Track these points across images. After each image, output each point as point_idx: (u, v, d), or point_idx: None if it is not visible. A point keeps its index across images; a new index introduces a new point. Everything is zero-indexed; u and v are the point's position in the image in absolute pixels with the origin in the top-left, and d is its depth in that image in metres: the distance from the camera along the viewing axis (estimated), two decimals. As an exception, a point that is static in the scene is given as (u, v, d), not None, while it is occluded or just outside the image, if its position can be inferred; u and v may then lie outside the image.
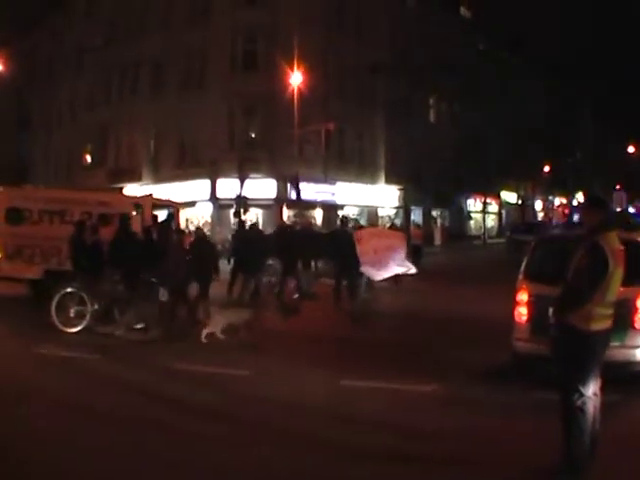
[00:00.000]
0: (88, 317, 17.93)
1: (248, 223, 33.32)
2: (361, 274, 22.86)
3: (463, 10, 77.32)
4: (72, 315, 18.04)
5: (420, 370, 13.11)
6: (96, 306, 18.11)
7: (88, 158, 67.26)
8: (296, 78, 48.16)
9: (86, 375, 12.98)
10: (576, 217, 77.89)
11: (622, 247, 7.84)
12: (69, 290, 18.36)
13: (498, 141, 65.50)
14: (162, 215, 24.90)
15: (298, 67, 48.17)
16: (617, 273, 7.64)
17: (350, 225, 27.75)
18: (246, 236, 25.61)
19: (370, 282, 24.12)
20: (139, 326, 17.78)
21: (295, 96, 47.90)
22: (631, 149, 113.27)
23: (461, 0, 75.84)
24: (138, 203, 25.61)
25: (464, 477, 8.10)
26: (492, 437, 9.26)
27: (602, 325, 7.64)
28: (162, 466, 8.31)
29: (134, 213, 24.51)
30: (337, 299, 22.97)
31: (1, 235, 22.50)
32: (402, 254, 24.00)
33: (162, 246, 19.38)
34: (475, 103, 64.98)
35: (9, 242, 22.44)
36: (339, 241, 24.09)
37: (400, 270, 23.67)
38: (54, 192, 28.55)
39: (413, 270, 24.11)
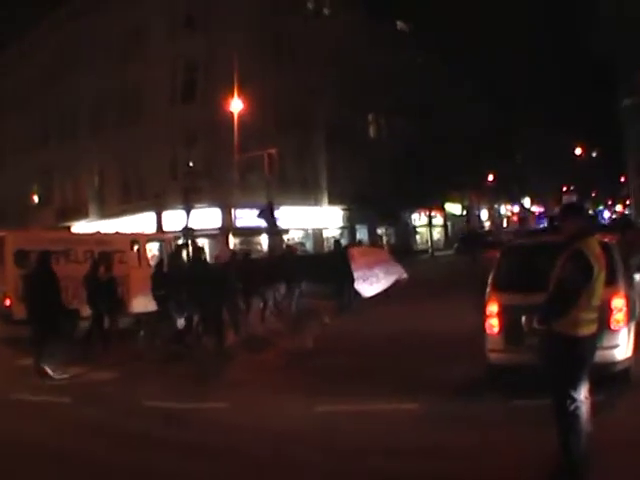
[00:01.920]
0: None
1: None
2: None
3: (400, 24, 77.83)
4: None
5: (394, 389, 12.95)
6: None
7: (35, 198, 66.81)
8: (235, 105, 48.04)
9: (57, 419, 12.62)
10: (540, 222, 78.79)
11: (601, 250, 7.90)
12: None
13: (439, 153, 65.81)
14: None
15: (237, 94, 48.06)
16: (600, 277, 7.71)
17: (301, 249, 29.71)
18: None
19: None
20: None
21: (235, 123, 47.76)
22: (578, 151, 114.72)
23: (398, 14, 76.14)
24: (135, 239, 27.34)
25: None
26: (476, 452, 9.18)
27: (589, 330, 7.68)
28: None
29: (135, 248, 26.65)
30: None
31: (11, 279, 22.56)
32: (392, 264, 26.91)
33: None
34: (414, 116, 65.27)
35: (19, 285, 21.61)
36: (335, 262, 26.34)
37: (394, 279, 25.94)
38: (57, 233, 30.08)
39: (405, 275, 26.75)
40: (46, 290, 17.31)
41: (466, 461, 8.89)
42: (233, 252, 32.80)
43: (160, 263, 23.62)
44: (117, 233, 32.11)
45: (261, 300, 24.81)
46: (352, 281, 25.03)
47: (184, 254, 26.34)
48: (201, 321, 19.84)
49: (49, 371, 16.49)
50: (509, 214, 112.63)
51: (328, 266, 28.02)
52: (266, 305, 25.38)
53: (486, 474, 8.37)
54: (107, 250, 23.34)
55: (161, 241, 29.39)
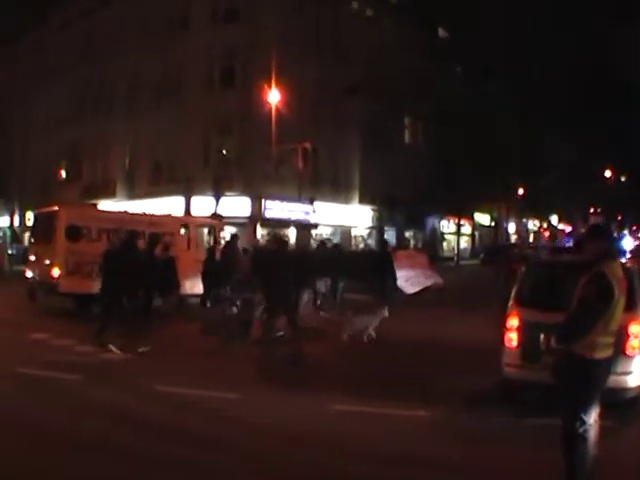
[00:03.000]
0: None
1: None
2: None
3: (441, 31, 77.61)
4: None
5: (409, 395, 12.89)
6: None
7: (63, 173, 66.87)
8: (273, 96, 48.07)
9: (66, 397, 12.50)
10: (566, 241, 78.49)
11: (624, 275, 7.82)
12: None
13: (471, 163, 65.63)
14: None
15: (275, 86, 48.08)
16: (620, 302, 7.62)
17: (329, 245, 30.74)
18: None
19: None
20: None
21: (272, 114, 47.79)
22: (608, 173, 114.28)
23: (439, 22, 75.97)
24: (185, 223, 28.39)
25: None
26: (480, 466, 9.14)
27: (605, 353, 7.61)
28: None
29: (182, 232, 27.65)
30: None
31: (62, 252, 23.71)
32: (431, 269, 28.65)
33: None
34: (450, 125, 65.12)
35: (69, 259, 23.65)
36: (380, 261, 27.46)
37: (430, 282, 27.45)
38: (109, 211, 30.61)
39: (440, 280, 28.33)
40: (130, 267, 17.62)
41: (470, 474, 8.85)
42: (322, 242, 33.68)
43: (213, 249, 25.46)
44: (168, 216, 32.73)
45: (311, 292, 25.24)
46: (394, 281, 26.25)
47: (238, 243, 26.82)
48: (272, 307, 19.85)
49: (113, 348, 16.73)
50: (535, 229, 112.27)
51: (372, 264, 28.62)
52: (317, 297, 26.15)
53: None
54: (158, 232, 23.90)
55: (211, 227, 30.29)
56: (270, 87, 48.14)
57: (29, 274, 26.54)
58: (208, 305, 24.82)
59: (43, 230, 25.88)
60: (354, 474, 8.89)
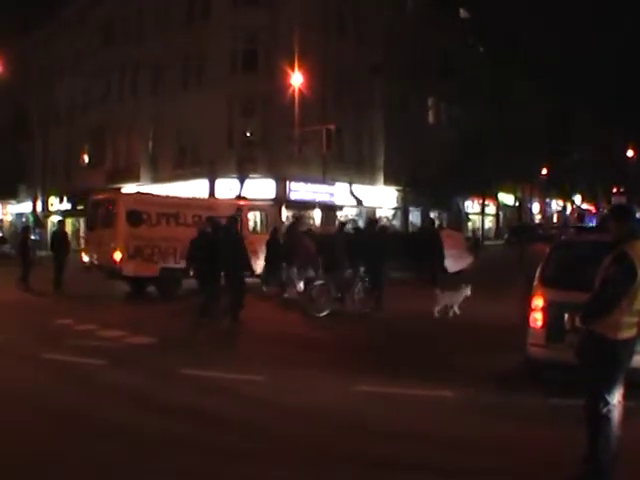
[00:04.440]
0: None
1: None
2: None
3: (462, 11, 77.27)
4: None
5: (433, 375, 12.92)
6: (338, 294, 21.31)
7: (86, 158, 67.13)
8: (296, 78, 48.12)
9: (92, 382, 12.52)
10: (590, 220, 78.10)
11: None
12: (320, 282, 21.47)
13: (496, 142, 65.42)
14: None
15: (298, 68, 48.12)
16: None
17: (353, 226, 31.23)
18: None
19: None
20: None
21: (295, 96, 47.86)
22: (630, 153, 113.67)
23: (460, 1, 75.67)
24: (239, 206, 29.02)
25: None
26: (508, 445, 9.10)
27: (628, 333, 7.58)
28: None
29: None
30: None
31: (123, 237, 24.76)
32: (466, 248, 31.48)
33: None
34: (474, 104, 64.93)
35: (130, 243, 24.67)
36: (430, 239, 28.74)
37: (468, 261, 30.05)
38: (168, 197, 30.95)
39: (472, 259, 31.13)
40: (233, 251, 18.53)
41: (493, 454, 8.83)
42: (369, 223, 34.21)
43: (275, 231, 26.77)
44: (223, 200, 35.16)
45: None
46: (442, 260, 27.99)
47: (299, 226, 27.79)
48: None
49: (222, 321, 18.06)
50: (559, 209, 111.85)
51: (420, 243, 29.71)
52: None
53: (512, 469, 8.27)
54: (213, 215, 24.70)
55: (262, 210, 31.34)
56: (293, 69, 48.20)
57: (85, 259, 27.12)
58: (265, 288, 26.08)
59: (101, 216, 26.70)
60: (377, 454, 8.81)
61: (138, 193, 32.75)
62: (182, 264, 21.03)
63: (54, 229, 43.00)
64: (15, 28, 70.53)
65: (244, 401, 11.33)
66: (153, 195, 32.85)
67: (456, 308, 20.39)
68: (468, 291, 20.44)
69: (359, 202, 53.51)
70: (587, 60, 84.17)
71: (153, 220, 25.41)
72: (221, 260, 18.24)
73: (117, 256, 24.55)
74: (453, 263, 29.27)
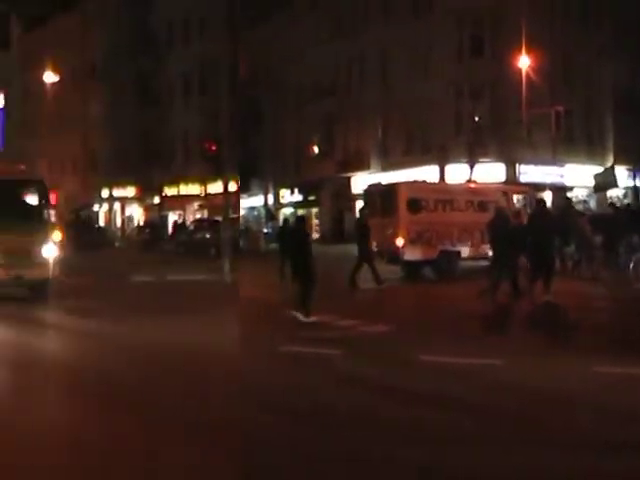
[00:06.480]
0: None
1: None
2: None
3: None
4: None
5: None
6: None
7: (315, 149, 68.76)
8: (523, 61, 48.07)
9: (329, 372, 12.35)
10: None
11: None
12: None
13: None
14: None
15: (525, 51, 48.05)
16: None
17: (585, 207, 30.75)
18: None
19: None
20: None
21: (523, 79, 47.84)
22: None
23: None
24: (505, 191, 30.42)
25: None
26: None
27: None
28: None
29: (502, 201, 28.90)
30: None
31: (404, 223, 26.86)
32: None
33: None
34: None
35: (411, 229, 26.73)
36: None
37: None
38: (441, 184, 34.83)
39: None
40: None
41: None
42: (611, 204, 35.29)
43: (501, 211, 26.43)
44: (490, 185, 36.62)
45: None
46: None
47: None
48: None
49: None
50: None
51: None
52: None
53: None
54: (484, 200, 27.09)
55: (524, 193, 32.17)
56: (519, 52, 48.19)
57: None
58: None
59: (381, 204, 28.23)
60: (618, 438, 8.38)
61: (416, 182, 33.99)
62: (459, 247, 24.03)
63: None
64: (243, 23, 72.56)
65: (482, 386, 11.00)
66: (429, 183, 34.49)
67: None
68: None
69: (615, 183, 52.39)
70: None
71: (431, 206, 27.36)
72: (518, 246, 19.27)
73: (399, 242, 26.53)
74: None
